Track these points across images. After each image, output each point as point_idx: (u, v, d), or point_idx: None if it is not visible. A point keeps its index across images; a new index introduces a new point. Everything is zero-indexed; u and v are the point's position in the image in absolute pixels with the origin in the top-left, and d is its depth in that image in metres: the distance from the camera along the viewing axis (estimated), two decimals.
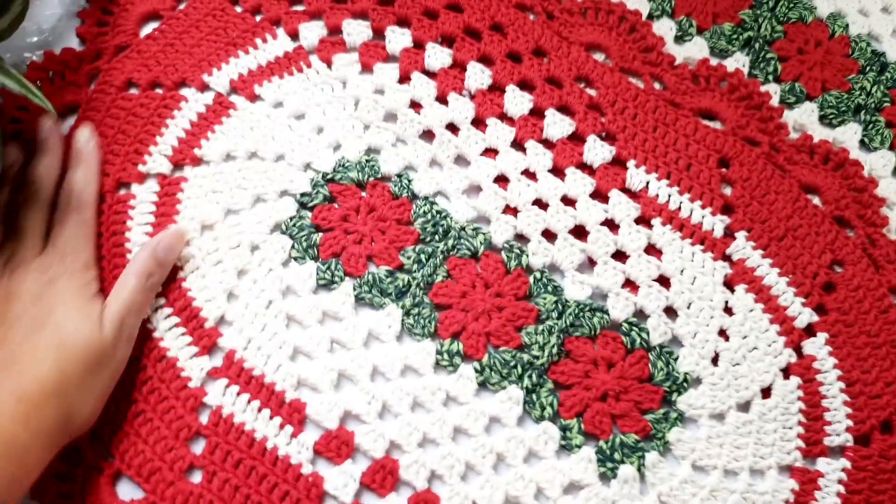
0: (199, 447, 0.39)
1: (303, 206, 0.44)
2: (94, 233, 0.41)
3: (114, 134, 0.45)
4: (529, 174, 0.45)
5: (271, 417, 0.39)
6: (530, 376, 0.41)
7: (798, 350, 0.42)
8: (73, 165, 0.42)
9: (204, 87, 0.47)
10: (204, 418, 0.39)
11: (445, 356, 0.41)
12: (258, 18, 0.49)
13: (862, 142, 0.47)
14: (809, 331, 0.42)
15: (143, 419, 0.39)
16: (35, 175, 0.40)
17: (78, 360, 0.35)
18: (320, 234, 0.43)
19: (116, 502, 0.38)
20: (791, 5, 0.51)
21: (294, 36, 0.48)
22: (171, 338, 0.41)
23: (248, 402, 0.40)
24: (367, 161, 0.45)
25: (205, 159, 0.45)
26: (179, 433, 0.39)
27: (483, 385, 0.41)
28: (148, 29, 0.48)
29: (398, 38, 0.48)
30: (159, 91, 0.46)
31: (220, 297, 0.42)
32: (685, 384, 0.41)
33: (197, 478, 0.38)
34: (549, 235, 0.44)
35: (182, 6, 0.49)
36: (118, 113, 0.45)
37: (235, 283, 0.42)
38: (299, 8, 0.49)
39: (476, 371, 0.41)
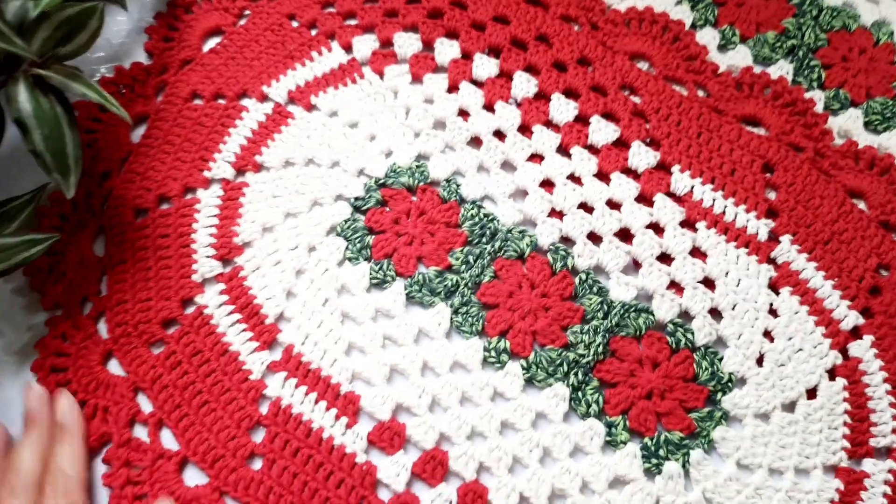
0: (259, 436, 0.41)
1: (357, 209, 0.46)
2: None
3: (181, 142, 0.48)
4: (575, 179, 0.47)
5: (327, 409, 0.41)
6: (576, 374, 0.42)
7: (844, 352, 0.42)
8: (58, 442, 0.39)
9: (264, 98, 0.49)
10: (264, 409, 0.41)
11: (493, 353, 0.42)
12: (314, 32, 0.51)
13: None
14: (855, 333, 0.43)
15: (207, 409, 0.41)
16: (19, 459, 0.37)
17: None
18: (373, 237, 0.45)
19: (182, 488, 0.40)
20: (835, 14, 0.51)
21: (348, 49, 0.51)
22: (234, 333, 0.43)
23: (306, 393, 0.42)
24: (417, 167, 0.47)
25: (265, 165, 0.47)
26: (241, 423, 0.41)
27: (530, 382, 0.42)
28: (211, 43, 0.51)
29: (447, 50, 0.50)
30: (222, 102, 0.49)
31: (280, 295, 0.44)
32: (730, 384, 0.42)
33: (257, 465, 0.40)
34: (594, 238, 0.45)
35: (243, 22, 0.52)
36: (184, 122, 0.48)
37: (294, 282, 0.44)
38: (353, 22, 0.52)
39: (523, 368, 0.42)
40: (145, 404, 0.42)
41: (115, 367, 0.43)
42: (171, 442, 0.41)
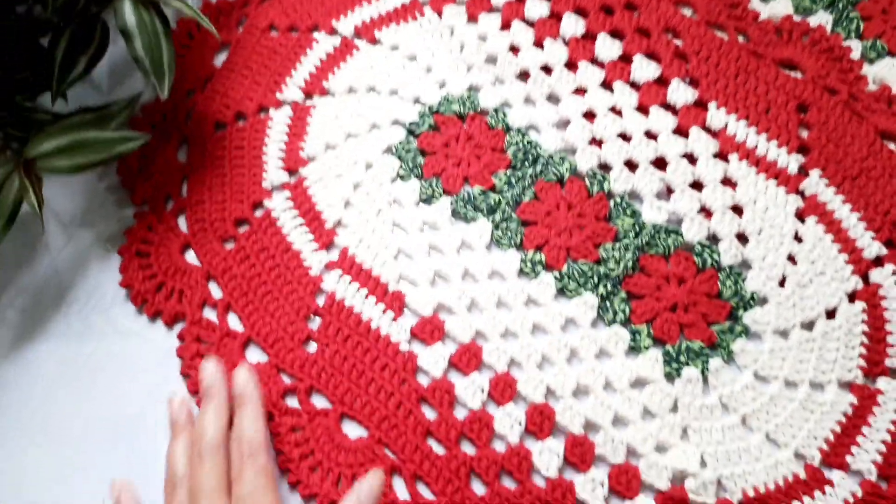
0: (314, 324, 0.46)
1: (411, 133, 0.50)
2: (275, 479, 0.39)
3: (257, 67, 0.53)
4: (616, 111, 0.50)
5: (376, 303, 0.45)
6: (605, 285, 0.45)
7: (865, 278, 0.44)
8: (238, 409, 0.41)
9: (333, 31, 0.54)
10: (321, 301, 0.46)
11: (529, 264, 0.46)
12: None
13: None
14: (877, 262, 0.45)
15: (270, 298, 0.46)
16: (203, 426, 0.40)
17: None
18: (424, 157, 0.50)
19: (243, 360, 0.45)
20: None
21: None
22: (296, 234, 0.48)
23: (358, 289, 0.46)
24: (468, 97, 0.51)
25: (331, 91, 0.52)
26: (300, 311, 0.46)
27: (561, 291, 0.45)
28: None
29: None
30: (295, 34, 0.54)
31: (339, 204, 0.48)
32: (752, 302, 0.44)
33: (312, 348, 0.45)
34: (631, 166, 0.48)
35: None
36: (261, 50, 0.53)
37: (351, 193, 0.49)
38: None
39: (556, 279, 0.45)
40: (216, 291, 0.47)
41: (191, 257, 0.48)
42: (237, 324, 0.46)
